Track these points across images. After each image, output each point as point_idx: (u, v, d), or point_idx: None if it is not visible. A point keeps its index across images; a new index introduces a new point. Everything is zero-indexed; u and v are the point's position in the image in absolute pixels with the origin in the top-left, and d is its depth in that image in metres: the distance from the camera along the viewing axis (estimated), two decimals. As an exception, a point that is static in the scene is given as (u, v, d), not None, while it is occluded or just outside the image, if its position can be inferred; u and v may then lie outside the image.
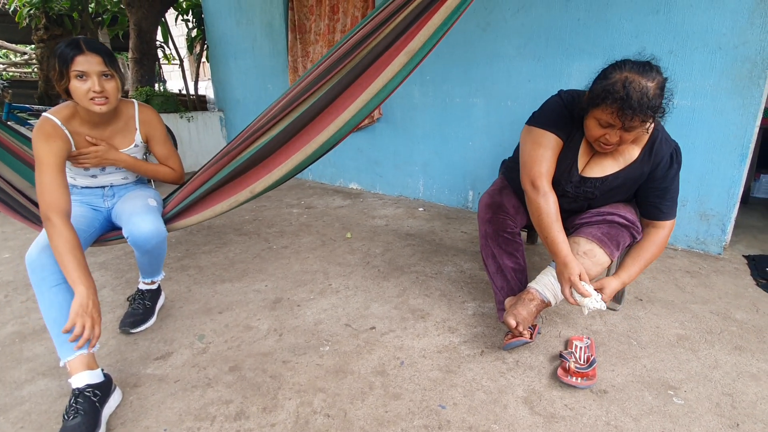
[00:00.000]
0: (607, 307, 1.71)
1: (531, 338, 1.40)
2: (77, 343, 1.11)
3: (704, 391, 1.27)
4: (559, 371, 1.31)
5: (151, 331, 1.61)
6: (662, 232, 1.40)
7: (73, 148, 1.41)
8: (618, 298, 1.71)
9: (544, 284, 1.39)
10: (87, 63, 1.28)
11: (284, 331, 1.60)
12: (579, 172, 1.40)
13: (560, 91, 1.44)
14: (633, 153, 1.36)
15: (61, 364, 1.17)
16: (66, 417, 1.09)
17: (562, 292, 1.29)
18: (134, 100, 1.58)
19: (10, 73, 9.15)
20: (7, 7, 5.19)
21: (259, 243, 2.51)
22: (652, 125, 1.29)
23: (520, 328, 1.33)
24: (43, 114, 1.36)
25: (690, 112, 2.14)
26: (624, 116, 1.14)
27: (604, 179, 1.38)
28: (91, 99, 1.31)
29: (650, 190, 1.39)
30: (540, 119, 1.40)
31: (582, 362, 1.34)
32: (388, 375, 1.35)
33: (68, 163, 1.46)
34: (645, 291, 1.87)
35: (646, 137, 1.35)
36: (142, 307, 1.64)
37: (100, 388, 1.16)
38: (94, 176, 1.55)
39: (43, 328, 1.63)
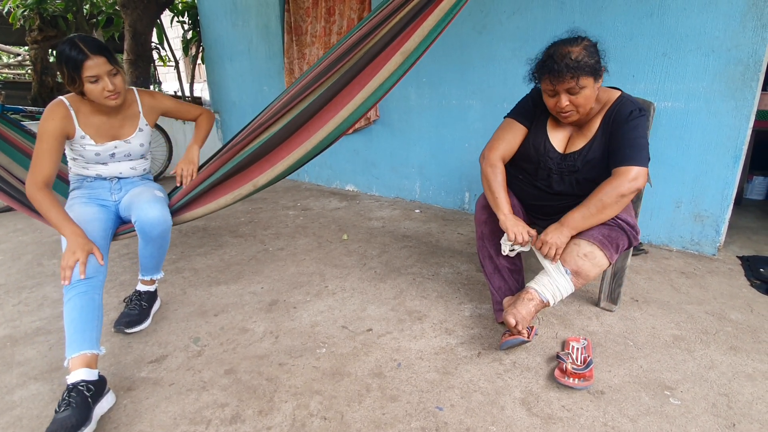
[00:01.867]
0: (603, 308, 1.72)
1: (528, 338, 1.40)
2: (86, 343, 1.20)
3: (700, 391, 1.27)
4: (556, 372, 1.31)
5: (146, 334, 1.60)
6: (615, 179, 1.31)
7: (76, 129, 1.49)
8: (614, 299, 1.72)
9: (544, 284, 1.39)
10: (96, 67, 1.38)
11: (280, 334, 1.59)
12: (561, 151, 1.48)
13: (534, 87, 1.54)
14: (595, 125, 1.44)
15: (65, 362, 1.20)
16: (57, 410, 1.10)
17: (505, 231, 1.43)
18: (133, 87, 1.66)
19: (4, 75, 9.08)
20: (0, 8, 5.15)
21: (254, 245, 2.50)
22: (606, 95, 1.42)
23: (520, 327, 1.33)
24: (59, 97, 1.49)
25: (684, 114, 2.15)
26: (554, 79, 1.30)
27: (580, 151, 1.44)
28: (106, 97, 1.44)
29: (612, 142, 1.38)
30: (510, 112, 1.59)
31: (579, 363, 1.34)
32: (385, 377, 1.34)
33: (80, 150, 1.55)
34: (641, 292, 1.87)
35: (605, 108, 1.42)
36: (138, 308, 1.63)
37: (94, 385, 1.17)
38: (105, 164, 1.61)
39: (35, 332, 1.61)
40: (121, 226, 1.64)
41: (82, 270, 1.27)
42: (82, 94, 1.44)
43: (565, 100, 1.34)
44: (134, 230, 1.55)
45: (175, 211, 1.69)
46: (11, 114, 3.51)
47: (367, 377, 1.34)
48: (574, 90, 1.31)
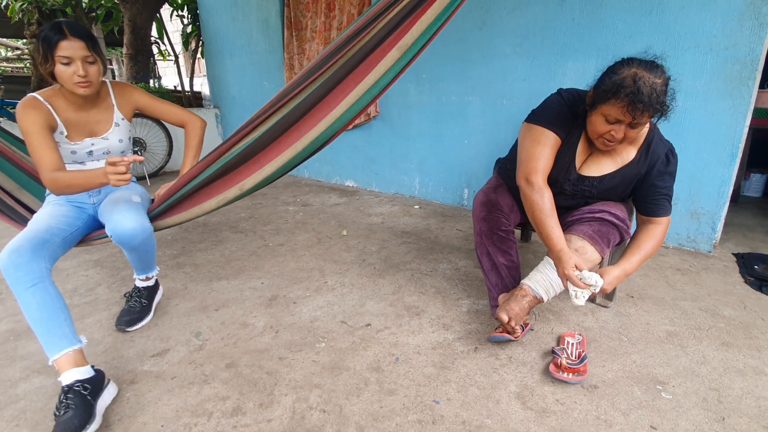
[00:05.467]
0: (599, 304, 1.74)
1: (517, 337, 1.42)
2: (63, 341, 1.17)
3: (692, 386, 1.30)
4: (551, 367, 1.34)
5: (148, 328, 1.62)
6: (659, 227, 1.41)
7: (57, 122, 1.43)
8: (609, 295, 1.74)
9: (537, 281, 1.42)
10: (71, 48, 1.31)
11: (280, 328, 1.61)
12: (577, 170, 1.42)
13: (560, 90, 1.46)
14: (630, 153, 1.40)
15: (50, 362, 1.18)
16: (57, 413, 1.09)
17: (563, 283, 1.32)
18: (106, 79, 1.56)
19: (2, 68, 9.05)
20: (-2, 1, 5.13)
21: (255, 240, 2.52)
22: (648, 126, 1.33)
23: (512, 324, 1.35)
24: (29, 93, 1.42)
25: (682, 113, 2.16)
26: (635, 111, 1.16)
27: (602, 179, 1.41)
28: (76, 83, 1.36)
29: (648, 188, 1.42)
30: (540, 117, 1.41)
31: (573, 358, 1.37)
32: (383, 371, 1.37)
33: (60, 152, 1.46)
34: (636, 288, 1.90)
35: (643, 138, 1.39)
36: (138, 306, 1.64)
37: (91, 383, 1.16)
38: (82, 163, 1.52)
39: (38, 326, 1.63)
40: (96, 231, 1.56)
41: (127, 167, 1.27)
42: (52, 77, 1.37)
43: (622, 132, 1.23)
44: (106, 236, 1.47)
45: (155, 217, 1.59)
46: (10, 108, 3.52)
47: (366, 371, 1.37)
48: (639, 126, 1.21)
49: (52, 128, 1.42)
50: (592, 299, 1.78)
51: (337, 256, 2.28)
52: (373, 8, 1.29)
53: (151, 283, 1.71)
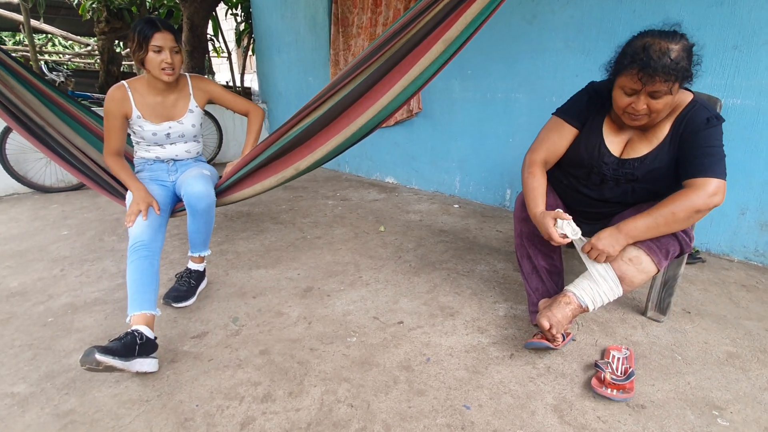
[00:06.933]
0: (650, 318, 1.62)
1: (557, 345, 1.35)
2: (145, 304, 1.36)
3: (752, 413, 1.17)
4: (594, 381, 1.25)
5: (190, 310, 1.69)
6: (691, 191, 1.18)
7: (132, 108, 1.65)
8: (662, 309, 1.61)
9: (583, 288, 1.33)
10: (163, 39, 1.55)
11: (313, 320, 1.63)
12: (618, 156, 1.36)
13: (590, 82, 1.44)
14: (664, 130, 1.30)
15: (128, 320, 1.34)
16: (110, 340, 1.27)
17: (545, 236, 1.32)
18: (185, 73, 1.80)
19: (75, 63, 9.84)
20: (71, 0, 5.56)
21: (294, 232, 2.57)
22: (686, 101, 1.26)
23: (554, 331, 1.28)
24: (121, 81, 1.68)
25: (754, 113, 1.96)
26: (645, 76, 1.13)
27: (643, 159, 1.32)
28: (162, 69, 1.58)
29: (686, 150, 1.26)
30: (558, 109, 1.46)
31: (619, 374, 1.28)
32: (414, 370, 1.34)
33: (140, 131, 1.71)
34: (694, 303, 1.75)
35: (678, 112, 1.28)
36: (186, 285, 1.74)
37: (146, 343, 1.29)
38: (162, 146, 1.76)
39: (93, 302, 1.74)
40: (178, 203, 1.79)
41: (145, 215, 1.50)
42: (142, 63, 1.58)
43: (643, 103, 1.18)
44: (184, 209, 1.70)
45: (221, 192, 1.81)
46: (81, 100, 3.80)
47: (396, 369, 1.35)
48: (658, 94, 1.16)
49: (127, 115, 1.66)
50: (642, 311, 1.66)
51: (373, 251, 2.27)
52: (420, 4, 1.34)
53: (201, 267, 1.81)
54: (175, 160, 1.81)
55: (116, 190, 1.89)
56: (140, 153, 1.79)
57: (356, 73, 1.46)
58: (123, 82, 1.67)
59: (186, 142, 1.81)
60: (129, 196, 1.62)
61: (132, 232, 1.49)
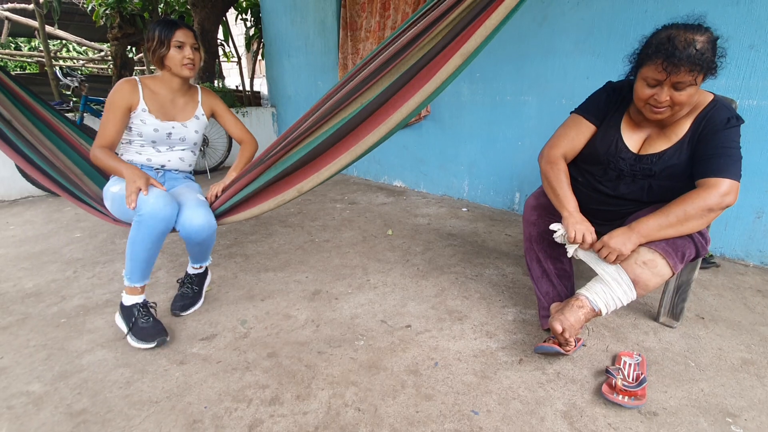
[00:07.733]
0: (663, 323, 1.59)
1: (568, 351, 1.33)
2: (140, 275, 1.49)
3: (767, 420, 1.14)
4: (604, 387, 1.23)
5: (199, 313, 1.70)
6: (703, 190, 1.19)
7: (140, 100, 1.62)
8: (675, 314, 1.58)
9: (596, 291, 1.31)
10: (184, 36, 1.58)
11: (321, 323, 1.63)
12: (636, 152, 1.36)
13: (608, 81, 1.44)
14: (684, 128, 1.29)
15: (128, 283, 1.51)
16: (136, 315, 1.49)
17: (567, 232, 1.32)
18: (197, 84, 1.85)
19: (89, 69, 10.03)
20: (85, 6, 5.67)
21: (302, 235, 2.57)
22: (706, 100, 1.26)
23: (566, 335, 1.26)
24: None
25: (772, 114, 1.93)
26: (669, 66, 1.13)
27: (661, 154, 1.31)
28: (184, 64, 1.60)
29: (702, 149, 1.25)
30: (577, 107, 1.47)
31: (630, 380, 1.25)
32: (421, 375, 1.33)
33: (140, 125, 1.63)
34: (708, 309, 1.71)
35: (698, 111, 1.27)
36: (190, 292, 1.74)
37: (144, 307, 1.51)
38: (157, 149, 1.69)
39: (105, 303, 1.77)
40: None
41: (145, 190, 1.43)
42: (161, 61, 1.59)
43: (666, 95, 1.18)
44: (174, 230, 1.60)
45: (219, 215, 1.67)
46: (94, 105, 3.86)
47: (403, 373, 1.34)
48: (682, 85, 1.15)
49: (132, 107, 1.61)
50: (654, 317, 1.63)
51: (381, 255, 2.27)
52: (433, 10, 1.23)
53: (201, 270, 1.80)
54: (165, 169, 1.72)
55: (92, 199, 1.71)
56: (128, 156, 1.68)
57: (365, 88, 1.35)
58: (133, 77, 1.67)
59: (184, 149, 1.74)
60: (114, 198, 1.54)
61: (140, 209, 1.41)
